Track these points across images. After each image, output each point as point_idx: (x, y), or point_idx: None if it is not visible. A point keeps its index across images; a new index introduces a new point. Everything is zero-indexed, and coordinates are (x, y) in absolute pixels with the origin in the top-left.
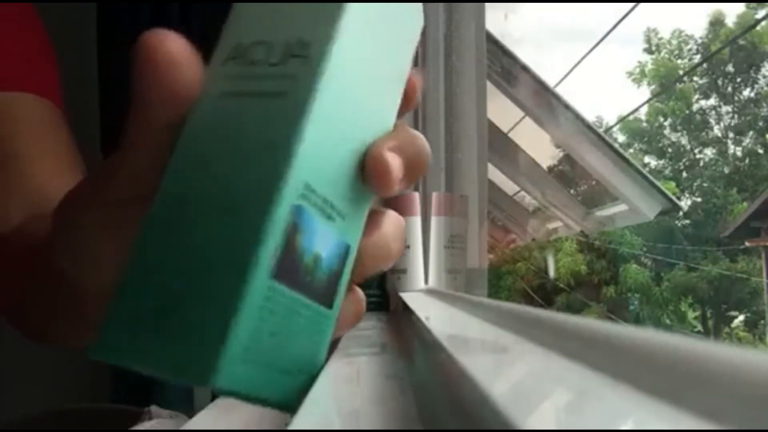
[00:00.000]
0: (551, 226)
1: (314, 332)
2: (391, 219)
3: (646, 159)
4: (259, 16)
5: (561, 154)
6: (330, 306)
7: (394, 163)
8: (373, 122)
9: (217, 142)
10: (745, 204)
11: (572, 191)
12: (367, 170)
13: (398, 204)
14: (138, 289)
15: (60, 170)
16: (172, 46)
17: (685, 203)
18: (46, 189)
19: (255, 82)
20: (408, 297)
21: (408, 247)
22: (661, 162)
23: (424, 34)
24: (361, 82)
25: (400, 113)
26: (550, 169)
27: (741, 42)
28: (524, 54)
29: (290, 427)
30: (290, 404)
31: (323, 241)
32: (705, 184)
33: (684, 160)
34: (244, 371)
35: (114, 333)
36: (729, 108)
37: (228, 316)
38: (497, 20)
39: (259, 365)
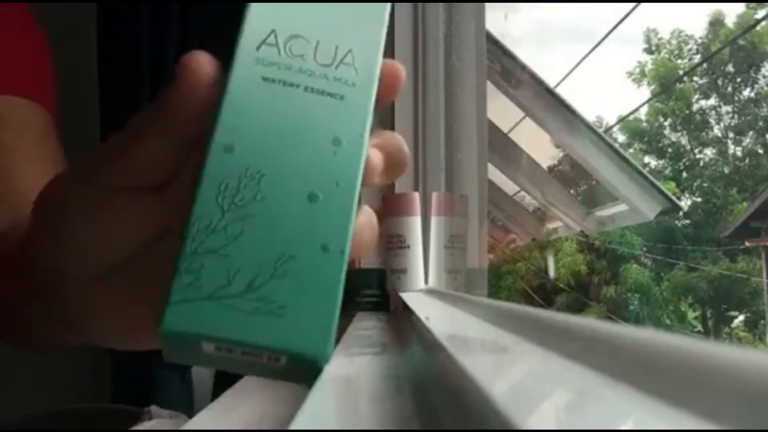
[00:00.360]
0: (551, 226)
1: None
2: (364, 212)
3: (646, 159)
4: (292, 7)
5: (561, 154)
6: None
7: (376, 158)
8: None
9: (276, 127)
10: (745, 204)
11: (572, 191)
12: None
13: (398, 204)
14: (213, 263)
15: (45, 176)
16: (211, 70)
17: (685, 203)
18: (30, 195)
19: (305, 77)
20: (408, 297)
21: (408, 247)
22: (661, 162)
23: (424, 34)
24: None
25: (383, 100)
26: (550, 169)
27: (741, 42)
28: (524, 54)
29: (290, 427)
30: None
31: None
32: (705, 184)
33: (684, 160)
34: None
35: (195, 305)
36: (729, 108)
37: (334, 294)
38: (497, 20)
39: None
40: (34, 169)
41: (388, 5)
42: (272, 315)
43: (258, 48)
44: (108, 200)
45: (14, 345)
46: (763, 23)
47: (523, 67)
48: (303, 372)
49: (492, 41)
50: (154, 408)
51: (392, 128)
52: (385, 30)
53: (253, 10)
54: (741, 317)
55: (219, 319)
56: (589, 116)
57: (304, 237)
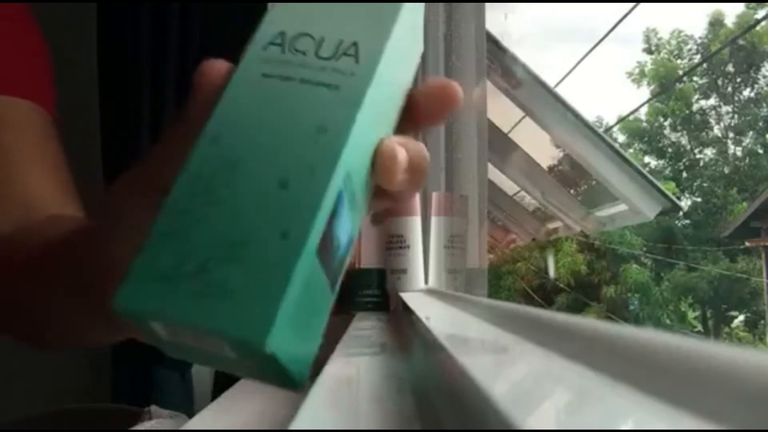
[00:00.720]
0: (551, 226)
1: (322, 311)
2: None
3: (646, 159)
4: (306, 10)
5: (561, 154)
6: (333, 290)
7: (401, 154)
8: (386, 125)
9: (264, 118)
10: (745, 204)
11: (572, 191)
12: (376, 160)
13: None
14: (172, 244)
15: (49, 179)
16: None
17: (685, 203)
18: (35, 198)
19: (303, 70)
20: (408, 297)
21: (408, 247)
22: (661, 162)
23: (424, 34)
24: (387, 88)
25: (434, 118)
26: (550, 169)
27: (741, 42)
28: (524, 54)
29: (290, 427)
30: (302, 381)
31: (345, 229)
32: (705, 184)
33: (684, 160)
34: (288, 338)
35: (147, 284)
36: (729, 108)
37: (284, 281)
38: (497, 20)
39: (295, 336)
40: (35, 170)
41: (413, 4)
42: (218, 298)
43: (264, 48)
44: (155, 201)
45: (34, 344)
46: (763, 23)
47: (523, 67)
48: (274, 370)
49: (492, 41)
50: (154, 408)
51: None
52: (399, 23)
53: (269, 15)
54: (741, 317)
55: (166, 300)
56: (589, 116)
57: (265, 223)
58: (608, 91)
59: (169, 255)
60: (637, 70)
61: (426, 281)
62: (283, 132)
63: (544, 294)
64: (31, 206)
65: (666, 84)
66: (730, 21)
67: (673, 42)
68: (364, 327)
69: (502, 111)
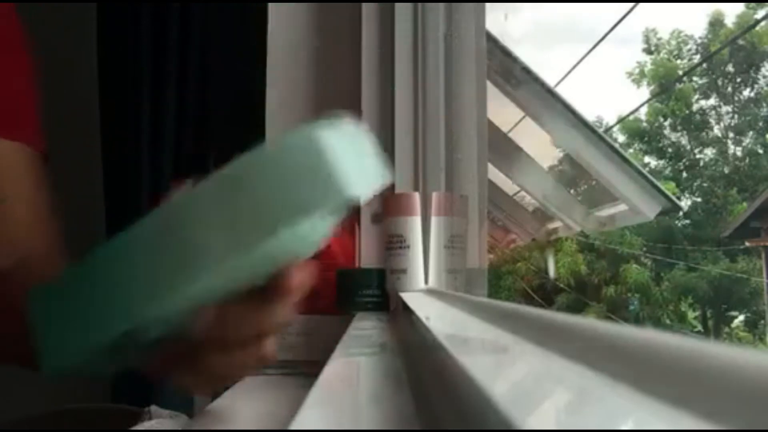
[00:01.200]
0: (551, 226)
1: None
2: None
3: (646, 159)
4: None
5: (561, 154)
6: (124, 356)
7: (207, 317)
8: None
9: (128, 255)
10: (745, 204)
11: (572, 191)
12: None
13: (398, 204)
14: (72, 287)
15: (41, 216)
16: None
17: (685, 203)
18: (31, 234)
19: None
20: (408, 297)
21: (408, 247)
22: (661, 162)
23: (424, 34)
24: (230, 273)
25: (276, 299)
26: (550, 169)
27: (741, 42)
28: (524, 54)
29: (290, 427)
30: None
31: (145, 342)
32: (705, 184)
33: (684, 160)
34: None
35: (50, 297)
36: (729, 108)
37: (87, 334)
38: (497, 20)
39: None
40: (32, 210)
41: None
42: (64, 324)
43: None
44: None
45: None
46: (763, 23)
47: (523, 67)
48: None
49: (492, 41)
50: (154, 408)
51: (392, 129)
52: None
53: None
54: (741, 317)
55: (52, 309)
56: (589, 116)
57: (105, 312)
58: (608, 91)
59: (68, 289)
60: (637, 70)
61: (426, 281)
62: (141, 272)
63: (544, 294)
64: (30, 244)
65: (666, 84)
66: (730, 21)
67: (673, 42)
68: (364, 327)
69: (502, 111)
